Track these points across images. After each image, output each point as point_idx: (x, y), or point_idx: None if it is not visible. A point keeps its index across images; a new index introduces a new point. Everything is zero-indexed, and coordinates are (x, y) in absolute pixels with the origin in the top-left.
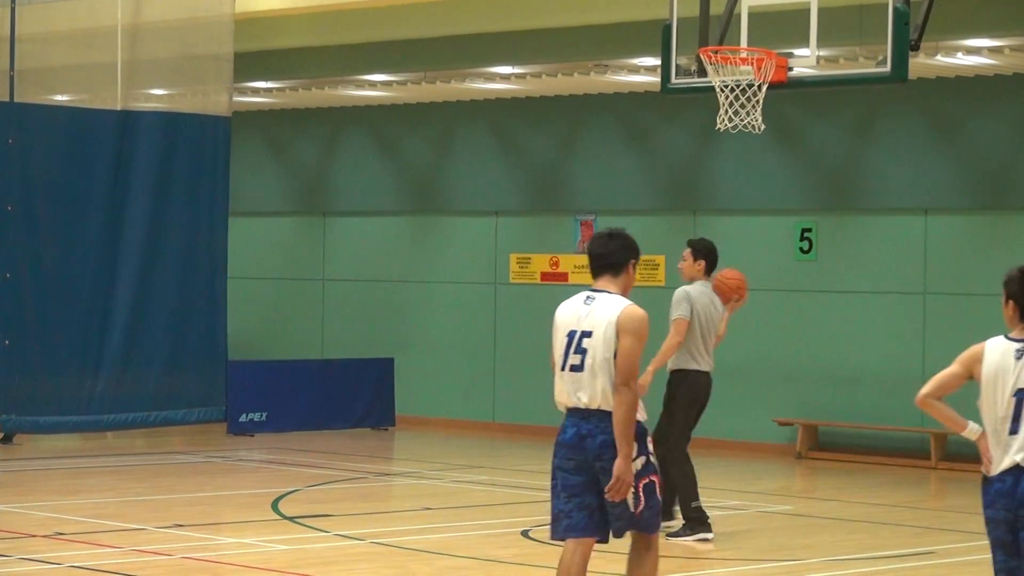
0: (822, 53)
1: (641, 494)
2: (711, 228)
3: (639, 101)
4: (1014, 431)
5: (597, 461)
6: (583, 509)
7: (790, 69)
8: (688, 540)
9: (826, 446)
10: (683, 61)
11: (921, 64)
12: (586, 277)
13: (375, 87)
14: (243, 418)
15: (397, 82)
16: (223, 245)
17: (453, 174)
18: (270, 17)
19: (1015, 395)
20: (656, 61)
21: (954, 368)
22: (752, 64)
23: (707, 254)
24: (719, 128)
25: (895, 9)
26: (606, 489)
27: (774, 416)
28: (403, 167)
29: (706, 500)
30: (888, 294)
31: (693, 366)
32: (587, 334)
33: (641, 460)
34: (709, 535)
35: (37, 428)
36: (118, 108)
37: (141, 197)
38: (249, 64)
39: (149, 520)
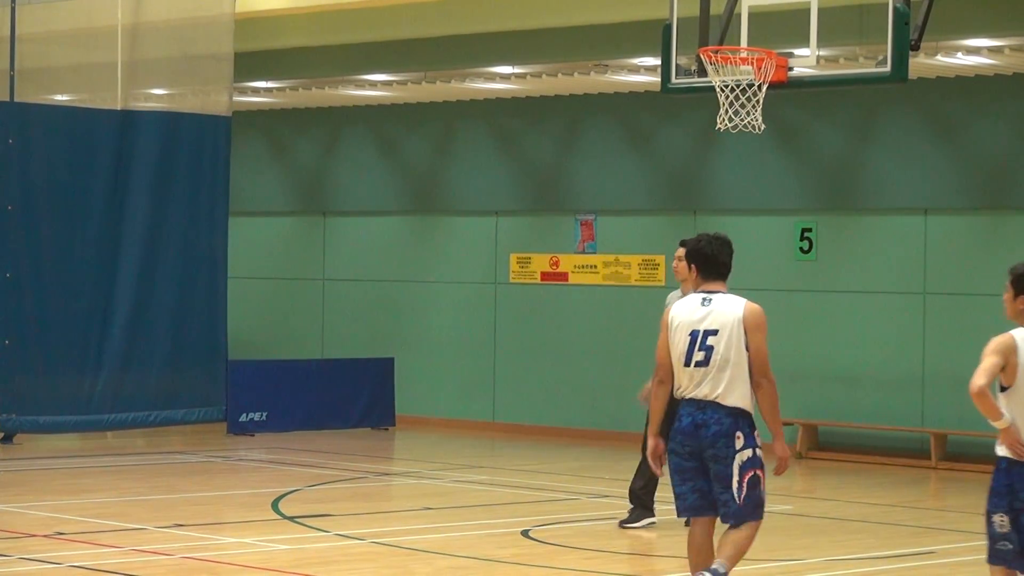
0: (822, 53)
1: (745, 486)
2: (711, 228)
3: (639, 101)
4: None
5: (710, 448)
6: (695, 492)
7: (790, 69)
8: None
9: (826, 446)
10: (683, 61)
11: (921, 64)
12: (587, 277)
13: (375, 87)
14: (243, 418)
15: (397, 82)
16: (223, 245)
17: (453, 174)
18: (270, 17)
19: None
20: (656, 61)
21: (994, 359)
22: (752, 64)
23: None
24: (719, 128)
25: (895, 9)
26: (774, 471)
27: None
28: (403, 167)
29: None
30: (888, 294)
31: None
32: (712, 332)
33: (748, 452)
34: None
35: (37, 428)
36: (118, 108)
37: (141, 197)
38: (249, 64)
39: (149, 520)
